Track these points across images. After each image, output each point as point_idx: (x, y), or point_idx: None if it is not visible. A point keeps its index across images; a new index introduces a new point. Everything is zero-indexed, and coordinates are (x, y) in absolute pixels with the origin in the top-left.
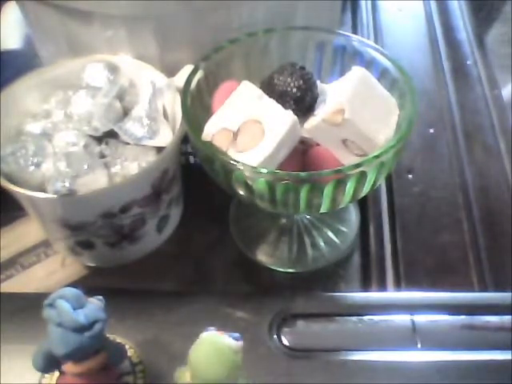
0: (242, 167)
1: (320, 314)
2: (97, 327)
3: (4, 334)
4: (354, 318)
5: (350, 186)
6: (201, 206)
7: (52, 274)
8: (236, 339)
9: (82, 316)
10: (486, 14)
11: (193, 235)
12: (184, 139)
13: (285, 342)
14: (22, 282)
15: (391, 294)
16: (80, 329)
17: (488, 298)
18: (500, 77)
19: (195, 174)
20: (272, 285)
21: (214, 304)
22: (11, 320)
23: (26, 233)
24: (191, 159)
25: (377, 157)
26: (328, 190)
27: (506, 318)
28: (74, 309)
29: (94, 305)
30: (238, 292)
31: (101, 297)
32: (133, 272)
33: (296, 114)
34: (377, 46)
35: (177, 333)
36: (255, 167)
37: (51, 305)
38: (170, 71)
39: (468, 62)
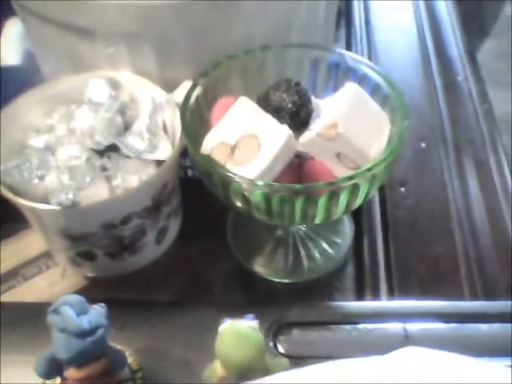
0: (239, 180)
1: (315, 322)
2: (99, 332)
3: (4, 343)
4: (348, 327)
5: (343, 198)
6: (199, 218)
7: (53, 285)
8: (250, 319)
9: (85, 322)
10: (477, 29)
11: (191, 247)
12: (183, 153)
13: (280, 349)
14: (23, 293)
15: (384, 303)
16: (83, 334)
17: (478, 306)
18: (491, 91)
19: (193, 188)
20: (268, 295)
21: (211, 313)
22: (12, 330)
23: (28, 244)
24: (189, 173)
25: (369, 169)
26: (322, 202)
27: (496, 326)
28: (78, 315)
29: (97, 311)
30: (235, 302)
31: (103, 304)
32: (132, 283)
33: (291, 128)
34: (369, 63)
35: (175, 341)
36: (252, 180)
37: (56, 311)
38: (170, 87)
39: (459, 78)
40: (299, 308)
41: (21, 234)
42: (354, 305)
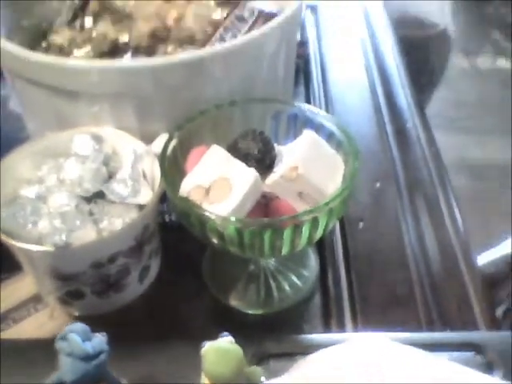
0: (214, 217)
1: (289, 353)
2: (102, 357)
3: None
4: None
5: (305, 230)
6: (176, 259)
7: (41, 326)
8: (226, 336)
9: (89, 347)
10: (426, 81)
11: (170, 286)
12: (161, 199)
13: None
14: (13, 335)
15: (352, 335)
16: (87, 357)
17: (440, 336)
18: (444, 137)
19: (171, 232)
20: (245, 326)
21: (195, 347)
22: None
23: (17, 289)
24: (167, 218)
25: (326, 204)
26: (287, 234)
27: (456, 355)
28: (83, 341)
29: (99, 338)
30: (214, 335)
31: (104, 333)
32: (116, 320)
33: (258, 171)
34: (324, 114)
35: (164, 374)
36: (226, 216)
37: (63, 338)
38: (148, 139)
39: (408, 125)
40: (275, 341)
41: (11, 280)
42: (325, 336)
